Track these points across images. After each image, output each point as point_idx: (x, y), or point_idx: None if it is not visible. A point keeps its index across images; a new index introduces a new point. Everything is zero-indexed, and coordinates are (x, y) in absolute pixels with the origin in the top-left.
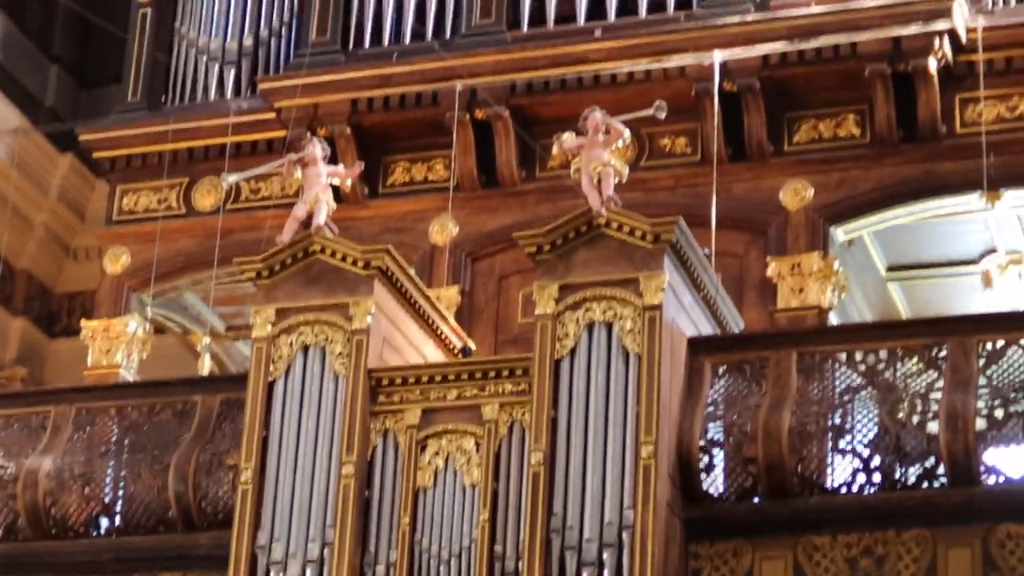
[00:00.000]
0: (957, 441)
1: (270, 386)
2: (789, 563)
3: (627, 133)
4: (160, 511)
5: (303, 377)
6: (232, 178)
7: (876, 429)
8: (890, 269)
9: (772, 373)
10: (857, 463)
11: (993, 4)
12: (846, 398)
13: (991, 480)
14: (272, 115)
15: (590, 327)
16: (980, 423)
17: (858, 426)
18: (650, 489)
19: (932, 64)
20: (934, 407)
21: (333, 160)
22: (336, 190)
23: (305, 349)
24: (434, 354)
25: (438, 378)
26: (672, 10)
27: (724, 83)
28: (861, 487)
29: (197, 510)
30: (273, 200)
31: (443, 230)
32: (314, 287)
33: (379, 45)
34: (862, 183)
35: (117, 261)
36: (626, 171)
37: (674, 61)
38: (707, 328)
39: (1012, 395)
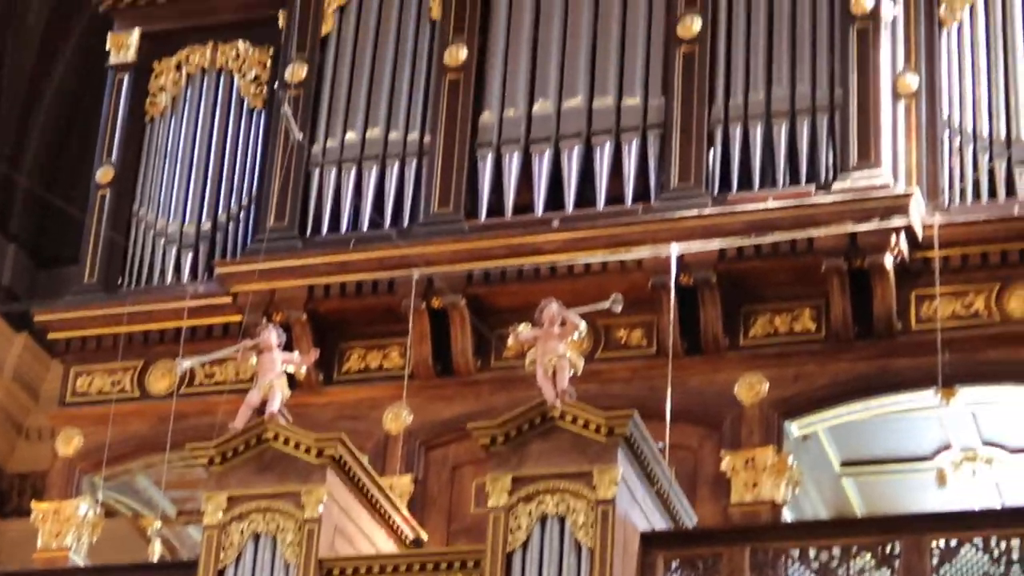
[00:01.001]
0: None
1: (220, 573)
2: None
3: (583, 326)
4: None
5: (253, 565)
6: (187, 363)
7: None
8: (844, 465)
9: (725, 569)
10: None
11: (949, 201)
12: None
13: None
14: (228, 299)
15: (543, 520)
16: None
17: None
18: None
19: (888, 260)
20: None
21: (289, 346)
22: (291, 377)
23: (256, 537)
24: (386, 544)
25: (389, 568)
26: (630, 202)
27: (681, 276)
28: None
29: None
30: (227, 385)
31: (397, 419)
32: (266, 474)
33: (337, 232)
34: (817, 378)
35: (69, 443)
36: (581, 363)
37: (631, 254)
38: (660, 522)
39: None
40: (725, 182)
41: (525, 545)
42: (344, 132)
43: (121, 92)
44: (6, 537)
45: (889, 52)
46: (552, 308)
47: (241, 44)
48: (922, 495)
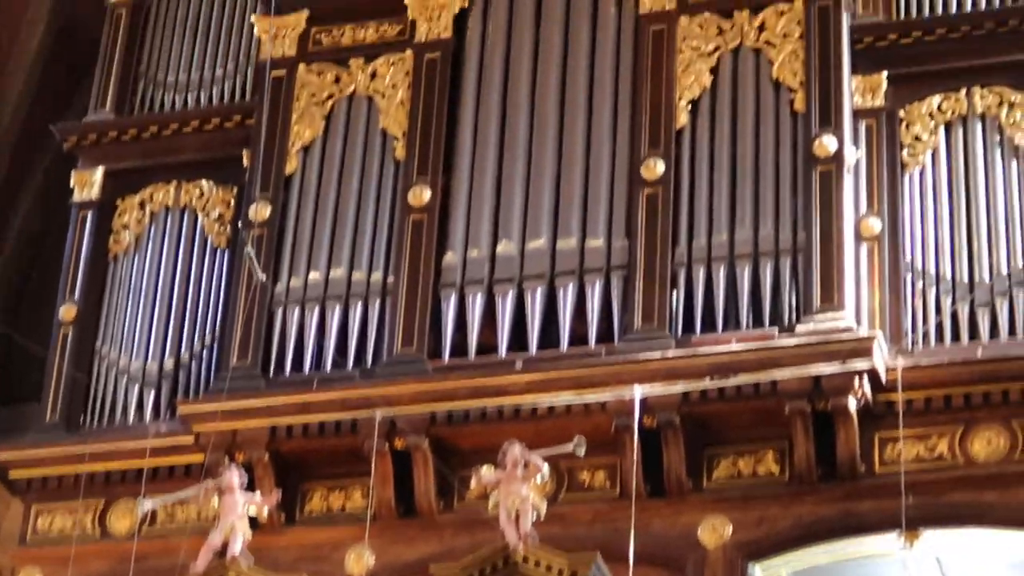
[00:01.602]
0: None
1: None
2: None
3: (546, 468)
4: None
5: None
6: (148, 504)
7: None
8: None
9: None
10: None
11: (912, 344)
12: None
13: None
14: (190, 439)
15: None
16: None
17: None
18: None
19: (852, 403)
20: None
21: (251, 486)
22: (253, 517)
23: None
24: None
25: None
26: (593, 344)
27: (644, 418)
28: None
29: None
30: (189, 526)
31: (359, 560)
32: None
33: (300, 372)
34: (781, 521)
35: None
36: (544, 506)
37: (594, 395)
38: None
39: None
40: (688, 324)
41: None
42: (307, 272)
43: (85, 230)
44: None
45: (852, 195)
46: (515, 451)
47: (205, 183)
48: None
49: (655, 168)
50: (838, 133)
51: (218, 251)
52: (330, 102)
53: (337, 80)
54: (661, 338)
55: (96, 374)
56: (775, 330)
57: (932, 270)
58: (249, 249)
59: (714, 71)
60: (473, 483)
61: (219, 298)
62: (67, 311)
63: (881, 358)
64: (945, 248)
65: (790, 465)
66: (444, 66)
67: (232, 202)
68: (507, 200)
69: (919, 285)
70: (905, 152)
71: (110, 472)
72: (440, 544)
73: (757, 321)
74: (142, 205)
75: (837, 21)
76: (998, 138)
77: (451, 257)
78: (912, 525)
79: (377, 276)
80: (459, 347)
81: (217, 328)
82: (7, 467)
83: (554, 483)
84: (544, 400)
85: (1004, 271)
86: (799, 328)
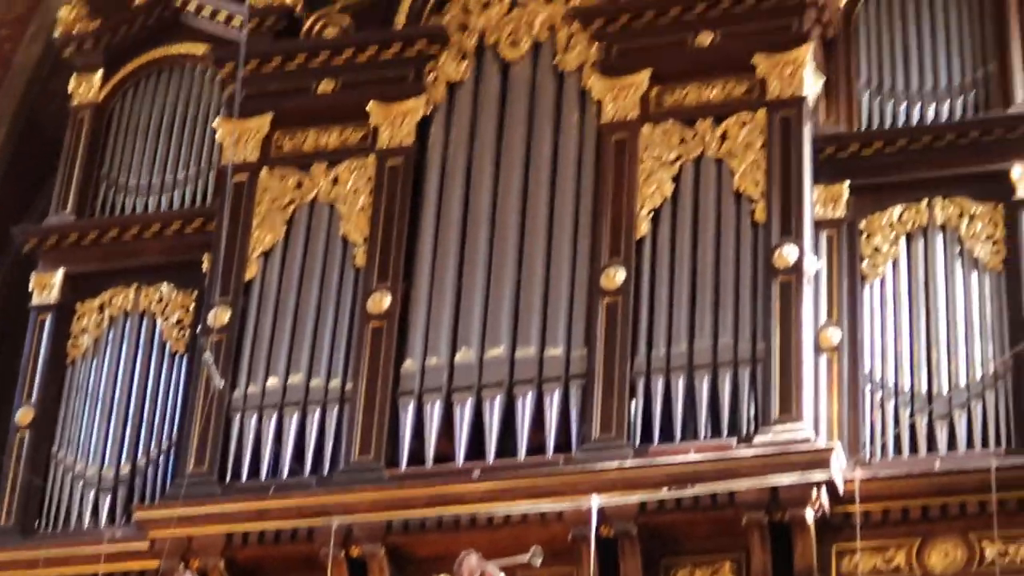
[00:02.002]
0: None
1: None
2: None
3: None
4: None
5: None
6: None
7: None
8: None
9: None
10: None
11: (871, 456)
12: None
13: None
14: (146, 545)
15: None
16: None
17: None
18: None
19: (809, 515)
20: None
21: None
22: None
23: None
24: None
25: None
26: (551, 453)
27: (601, 528)
28: None
29: None
30: None
31: None
32: None
33: (256, 478)
34: None
35: None
36: None
37: (551, 505)
38: None
39: None
40: (646, 434)
41: None
42: (266, 378)
43: (43, 333)
44: None
45: (812, 305)
46: (471, 560)
47: (165, 287)
48: None
49: (615, 277)
50: (798, 243)
51: (176, 356)
52: (291, 207)
53: (299, 185)
54: (619, 448)
55: (52, 478)
56: (733, 440)
57: (891, 381)
58: (207, 356)
59: (676, 180)
60: None
61: (177, 404)
62: (24, 415)
63: (839, 469)
64: (904, 360)
65: (747, 575)
66: (406, 172)
67: (192, 307)
68: (467, 308)
69: (878, 396)
70: (865, 263)
71: None
72: None
73: (715, 431)
74: (101, 309)
75: (799, 131)
76: (958, 249)
77: (410, 365)
78: None
79: (335, 383)
80: (416, 455)
81: (174, 434)
82: None
83: None
84: (501, 509)
85: (963, 383)
86: (757, 439)
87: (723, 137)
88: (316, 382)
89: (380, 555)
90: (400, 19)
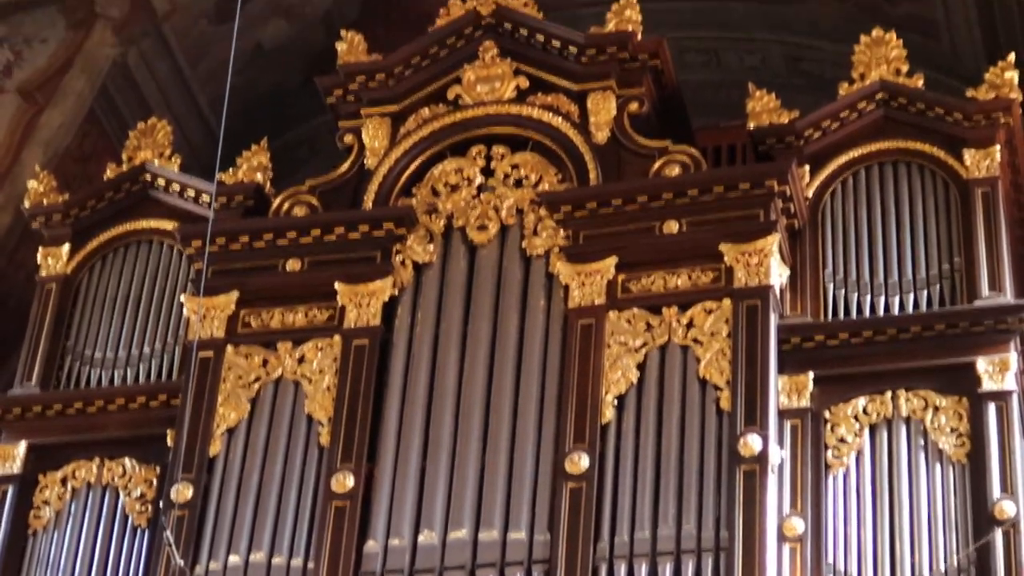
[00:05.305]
0: None
1: None
2: None
3: None
4: None
5: None
6: None
7: None
8: None
9: None
10: None
11: None
12: None
13: None
14: None
15: None
16: None
17: None
18: None
19: None
20: None
21: None
22: None
23: None
24: None
25: None
26: None
27: None
28: None
29: None
30: None
31: None
32: None
33: None
34: None
35: None
36: None
37: None
38: None
39: None
40: None
41: None
42: (228, 555)
43: (5, 504)
44: None
45: (775, 495)
46: None
47: (128, 461)
48: None
49: (579, 462)
50: (763, 433)
51: (139, 530)
52: (257, 385)
53: (264, 363)
54: None
55: None
56: None
57: (854, 572)
58: (168, 536)
59: (641, 367)
60: None
61: None
62: None
63: None
64: (868, 550)
65: None
66: (372, 353)
67: (155, 481)
68: (430, 489)
69: None
70: (830, 453)
71: None
72: None
73: None
74: (64, 481)
75: (765, 321)
76: (922, 442)
77: (372, 545)
78: None
79: (297, 562)
80: None
81: None
82: None
83: None
84: None
85: (926, 574)
86: None
87: (689, 325)
88: (278, 560)
89: None
90: (368, 200)
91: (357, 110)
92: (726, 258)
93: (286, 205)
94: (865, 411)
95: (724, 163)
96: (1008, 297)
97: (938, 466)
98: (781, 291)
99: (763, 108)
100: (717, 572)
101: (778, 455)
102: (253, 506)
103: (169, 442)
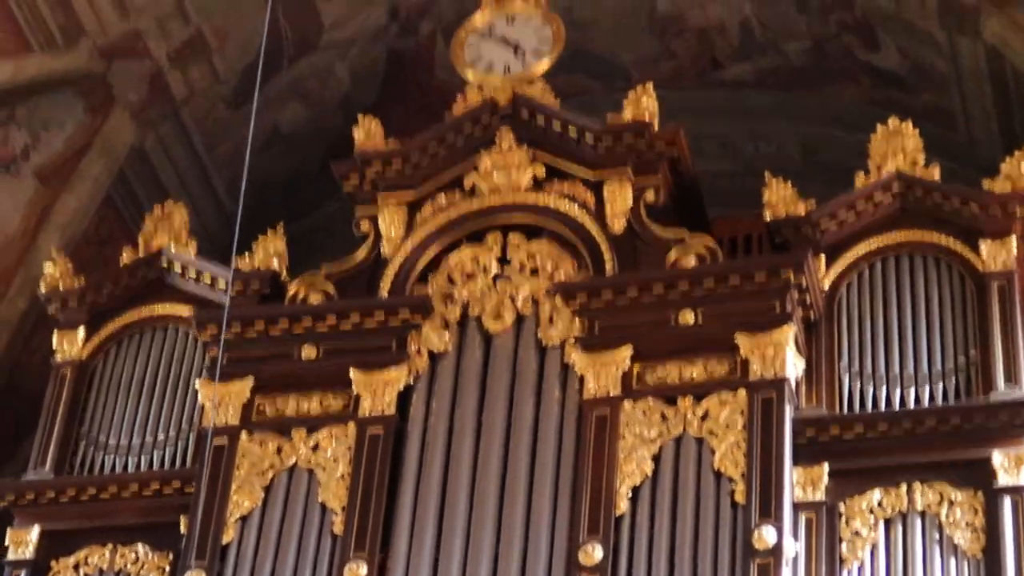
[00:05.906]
0: None
1: None
2: None
3: None
4: None
5: None
6: None
7: None
8: None
9: None
10: None
11: None
12: None
13: None
14: None
15: None
16: None
17: None
18: None
19: None
20: None
21: None
22: None
23: None
24: None
25: None
26: None
27: None
28: None
29: None
30: None
31: None
32: None
33: None
34: None
35: None
36: None
37: None
38: None
39: None
40: None
41: None
42: None
43: None
44: None
45: None
46: None
47: (141, 548)
48: None
49: (593, 554)
50: (778, 526)
51: None
52: (271, 472)
53: (279, 451)
54: None
55: None
56: None
57: None
58: None
59: (656, 459)
60: None
61: None
62: None
63: None
64: None
65: None
66: (386, 442)
67: (167, 568)
68: None
69: None
70: (844, 546)
71: None
72: None
73: None
74: (76, 567)
75: (780, 413)
76: (938, 536)
77: None
78: None
79: None
80: None
81: None
82: None
83: None
84: None
85: None
86: None
87: (704, 416)
88: None
89: None
90: (384, 288)
91: (374, 195)
92: (742, 349)
93: (302, 292)
94: (880, 504)
95: (740, 253)
96: None
97: (953, 560)
98: (797, 383)
99: (779, 199)
100: None
101: (793, 548)
102: None
103: (182, 529)
